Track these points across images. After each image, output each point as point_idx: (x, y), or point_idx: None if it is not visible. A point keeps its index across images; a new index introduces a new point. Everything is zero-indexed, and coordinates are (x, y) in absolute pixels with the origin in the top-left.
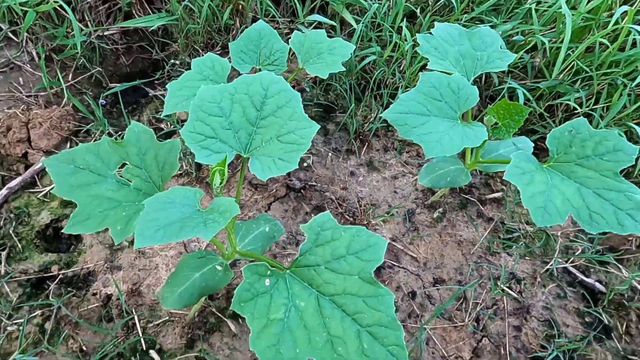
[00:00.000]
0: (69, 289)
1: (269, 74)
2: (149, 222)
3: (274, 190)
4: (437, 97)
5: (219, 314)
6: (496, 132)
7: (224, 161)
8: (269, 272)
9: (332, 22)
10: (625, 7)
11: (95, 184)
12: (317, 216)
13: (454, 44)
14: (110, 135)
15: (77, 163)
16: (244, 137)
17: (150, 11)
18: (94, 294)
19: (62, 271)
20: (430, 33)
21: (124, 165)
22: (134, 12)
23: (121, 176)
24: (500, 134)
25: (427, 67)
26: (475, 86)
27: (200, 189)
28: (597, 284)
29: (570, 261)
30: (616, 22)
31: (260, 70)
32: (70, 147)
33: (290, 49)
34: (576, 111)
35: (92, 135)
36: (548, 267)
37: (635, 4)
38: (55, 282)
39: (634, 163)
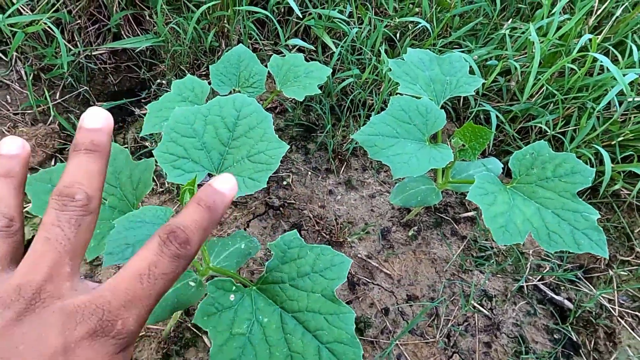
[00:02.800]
0: None
1: (242, 96)
2: (118, 241)
3: (253, 208)
4: (406, 119)
5: (195, 330)
6: (463, 153)
7: (194, 181)
8: (234, 287)
9: (312, 47)
10: (590, 36)
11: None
12: (284, 234)
13: (424, 69)
14: None
15: (54, 182)
16: (216, 157)
17: (138, 32)
18: None
19: None
20: (402, 59)
21: None
22: (122, 33)
23: None
24: (467, 156)
25: (398, 91)
26: (443, 110)
27: (170, 208)
28: (566, 302)
29: (540, 279)
30: (584, 49)
31: (239, 92)
32: (55, 164)
33: (269, 72)
34: (547, 134)
35: None
36: (519, 284)
37: (603, 33)
38: None
39: (590, 185)
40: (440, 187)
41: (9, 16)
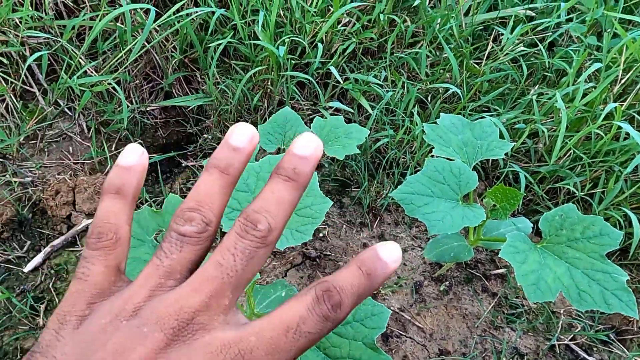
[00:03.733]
0: None
1: None
2: None
3: (291, 258)
4: (440, 180)
5: None
6: (494, 213)
7: None
8: None
9: (349, 109)
10: (615, 104)
11: (135, 248)
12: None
13: (457, 133)
14: (146, 200)
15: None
16: None
17: (188, 91)
18: None
19: None
20: (436, 122)
21: (160, 231)
22: (173, 91)
23: (157, 241)
24: (499, 215)
25: (432, 153)
26: (475, 172)
27: None
28: None
29: (571, 339)
30: (611, 115)
31: (284, 149)
32: None
33: (312, 132)
34: (575, 195)
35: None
36: (550, 343)
37: (627, 101)
38: None
39: (618, 247)
40: (472, 244)
41: (79, 77)
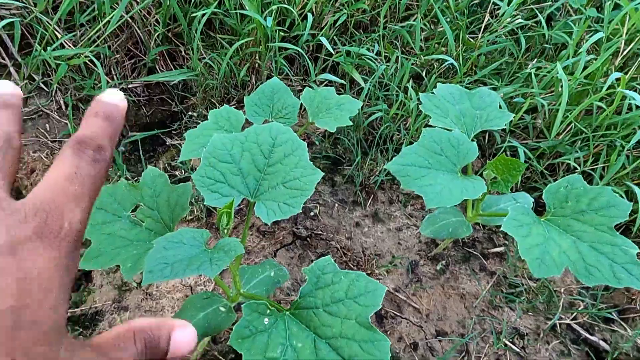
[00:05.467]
0: (75, 327)
1: (278, 124)
2: (157, 260)
3: (281, 238)
4: (438, 151)
5: (221, 358)
6: (495, 185)
7: (231, 204)
8: (268, 311)
9: (342, 81)
10: (618, 74)
11: (110, 223)
12: (318, 260)
13: (455, 103)
14: (127, 179)
15: (96, 204)
16: (252, 183)
17: (172, 66)
18: (100, 333)
19: (71, 310)
20: (433, 93)
21: (138, 206)
22: (157, 67)
23: (135, 217)
24: (499, 188)
25: (429, 124)
26: (475, 142)
27: (207, 231)
28: (602, 342)
29: (573, 318)
30: (612, 87)
31: (272, 122)
32: None
33: (302, 103)
34: (576, 170)
35: (110, 180)
36: (551, 323)
37: (629, 73)
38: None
39: (626, 218)
40: (470, 220)
41: (54, 49)
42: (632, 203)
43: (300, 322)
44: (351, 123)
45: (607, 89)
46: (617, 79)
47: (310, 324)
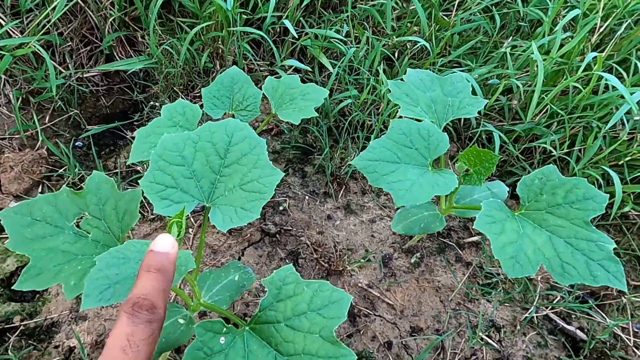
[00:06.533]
0: (30, 341)
1: (234, 120)
2: (98, 280)
3: (248, 235)
4: (407, 144)
5: None
6: (467, 179)
7: (182, 212)
8: (225, 329)
9: (308, 67)
10: (595, 54)
11: (52, 237)
12: (279, 269)
13: (425, 90)
14: (82, 180)
15: (35, 215)
16: (207, 186)
17: (132, 53)
18: (56, 347)
19: (25, 322)
20: (402, 79)
21: (82, 216)
22: (115, 54)
23: (79, 228)
24: (472, 181)
25: (399, 113)
26: (446, 133)
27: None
28: (579, 332)
29: (550, 308)
30: (589, 67)
31: (233, 115)
32: (42, 191)
33: (264, 94)
34: (553, 154)
35: (65, 179)
36: (528, 314)
37: (606, 50)
38: (16, 334)
39: (603, 211)
40: (444, 213)
41: None
42: (607, 195)
43: (260, 339)
44: (316, 114)
45: (583, 69)
46: (594, 58)
47: (271, 341)
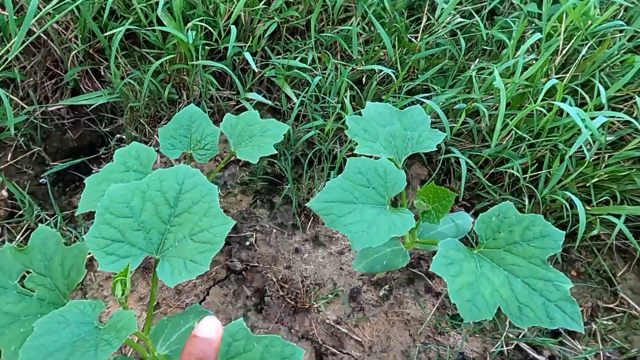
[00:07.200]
0: None
1: (186, 167)
2: (34, 349)
3: (214, 273)
4: (364, 183)
5: None
6: (426, 216)
7: (127, 270)
8: None
9: (269, 102)
10: (555, 81)
11: None
12: (228, 325)
13: (385, 124)
14: (41, 222)
15: None
16: (156, 237)
17: (99, 85)
18: None
19: None
20: (360, 114)
21: (27, 273)
22: (81, 86)
23: (24, 286)
24: (430, 219)
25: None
26: (403, 170)
27: (101, 302)
28: None
29: (522, 335)
30: (554, 89)
31: (191, 155)
32: (1, 235)
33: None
34: (524, 176)
35: (27, 220)
36: (498, 345)
37: (570, 72)
38: None
39: (560, 250)
40: (408, 247)
41: None
42: (564, 232)
43: None
44: (275, 151)
45: (546, 93)
46: (556, 83)
47: None
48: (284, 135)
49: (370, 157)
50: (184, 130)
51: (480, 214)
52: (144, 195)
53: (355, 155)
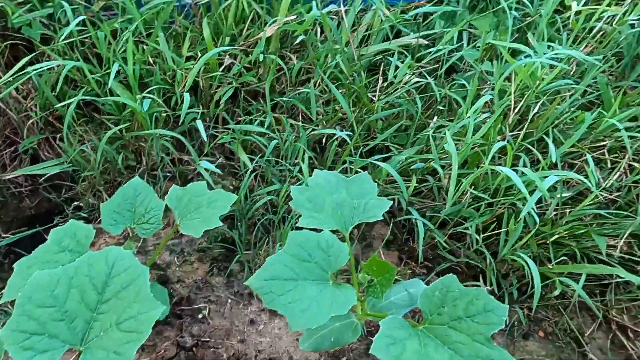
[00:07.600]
0: None
1: (117, 248)
2: None
3: (162, 351)
4: (306, 258)
5: None
6: (371, 290)
7: None
8: None
9: (219, 171)
10: (502, 143)
11: None
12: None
13: (332, 192)
14: None
15: None
16: (81, 326)
17: (59, 151)
18: None
19: None
20: (307, 184)
21: None
22: (41, 153)
23: None
24: (375, 293)
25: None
26: (346, 243)
27: None
28: None
29: None
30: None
31: (133, 230)
32: None
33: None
34: (485, 234)
35: None
36: None
37: (525, 128)
38: None
39: (504, 326)
40: (361, 319)
41: None
42: (508, 306)
43: None
44: (221, 224)
45: (500, 151)
46: (505, 144)
47: None
48: (237, 201)
49: (315, 229)
50: (127, 205)
51: (424, 289)
52: (70, 281)
53: (298, 228)
